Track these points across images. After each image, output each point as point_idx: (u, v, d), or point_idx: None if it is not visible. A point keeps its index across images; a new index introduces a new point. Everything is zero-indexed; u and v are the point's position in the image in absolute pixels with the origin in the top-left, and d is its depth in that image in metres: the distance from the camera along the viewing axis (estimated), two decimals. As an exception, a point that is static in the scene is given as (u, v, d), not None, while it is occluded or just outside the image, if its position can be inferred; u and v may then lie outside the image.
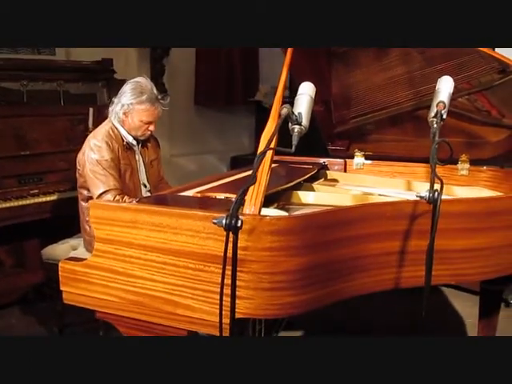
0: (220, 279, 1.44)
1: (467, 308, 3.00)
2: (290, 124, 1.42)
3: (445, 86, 1.66)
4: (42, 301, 3.02)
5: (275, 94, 1.76)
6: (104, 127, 2.36)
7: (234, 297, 1.14)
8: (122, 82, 3.50)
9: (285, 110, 1.34)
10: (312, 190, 2.24)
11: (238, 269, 1.45)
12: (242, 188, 1.08)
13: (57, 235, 2.82)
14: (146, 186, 2.47)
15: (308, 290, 1.50)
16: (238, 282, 1.46)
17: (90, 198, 2.34)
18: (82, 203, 2.39)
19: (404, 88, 2.44)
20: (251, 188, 1.52)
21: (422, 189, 2.32)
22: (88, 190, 2.33)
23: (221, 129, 4.55)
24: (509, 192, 2.25)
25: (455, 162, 2.47)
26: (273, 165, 2.56)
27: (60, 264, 1.71)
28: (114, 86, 3.45)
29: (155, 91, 2.33)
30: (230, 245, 1.11)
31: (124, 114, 2.32)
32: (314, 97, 1.51)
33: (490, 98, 2.35)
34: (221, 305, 1.14)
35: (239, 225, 1.05)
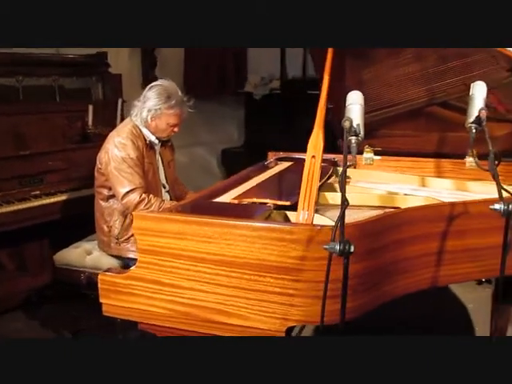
0: (278, 289, 1.48)
1: (467, 293, 3.12)
2: (346, 134, 1.42)
3: (479, 92, 1.70)
4: (45, 304, 2.96)
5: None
6: (126, 126, 2.34)
7: (343, 313, 1.15)
8: (117, 77, 3.45)
9: (347, 123, 1.35)
10: (332, 188, 2.26)
11: (293, 278, 1.48)
12: (338, 215, 1.09)
13: (59, 237, 2.77)
14: (165, 187, 2.45)
15: (362, 295, 1.53)
16: (292, 291, 1.50)
17: (111, 196, 2.32)
18: (102, 203, 2.35)
19: (416, 85, 2.47)
20: (302, 193, 1.53)
21: (435, 185, 2.43)
22: (109, 188, 2.30)
23: (210, 120, 4.50)
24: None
25: (463, 157, 2.54)
26: (287, 163, 2.60)
27: (99, 276, 1.69)
28: (109, 80, 3.39)
29: (180, 93, 2.31)
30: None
31: (151, 118, 2.28)
32: (363, 104, 1.52)
33: (498, 94, 2.41)
34: (322, 316, 1.15)
35: (352, 250, 1.06)
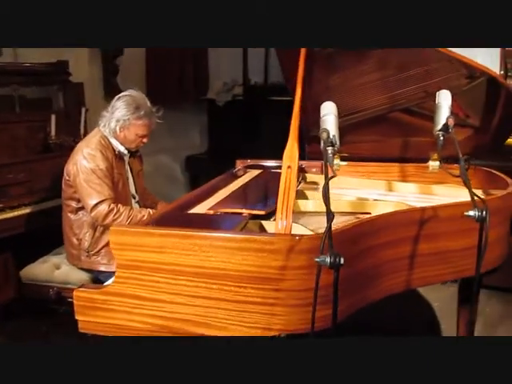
0: (259, 299, 1.49)
1: (432, 292, 3.22)
2: (322, 144, 1.46)
3: (445, 100, 1.77)
4: (12, 320, 2.87)
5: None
6: (95, 137, 2.31)
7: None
8: (79, 86, 3.39)
9: (325, 135, 1.39)
10: (302, 195, 2.29)
11: (273, 287, 1.50)
12: (326, 226, 1.11)
13: (24, 251, 2.70)
14: (134, 198, 2.43)
15: (340, 301, 1.56)
16: (273, 301, 1.51)
17: (80, 209, 2.29)
18: (71, 215, 2.31)
19: (380, 92, 2.54)
20: (280, 203, 1.56)
21: (401, 189, 2.50)
22: (78, 200, 2.27)
23: (173, 128, 4.46)
24: (477, 187, 2.43)
25: (425, 161, 2.63)
26: (256, 171, 2.62)
27: (75, 293, 1.66)
28: (70, 90, 3.32)
29: (149, 104, 2.30)
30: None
31: (120, 128, 2.26)
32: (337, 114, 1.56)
33: (458, 100, 2.51)
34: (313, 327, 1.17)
35: (342, 262, 1.08)
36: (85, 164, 2.20)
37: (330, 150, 1.43)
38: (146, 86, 4.24)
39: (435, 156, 2.61)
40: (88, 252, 2.28)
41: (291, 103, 4.50)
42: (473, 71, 2.35)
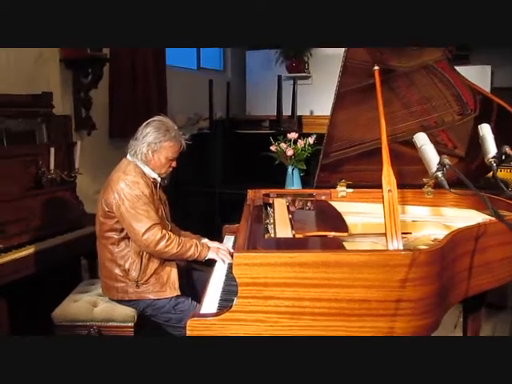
0: (381, 311, 1.61)
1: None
2: (432, 170, 1.65)
3: (488, 132, 2.05)
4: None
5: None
6: (129, 165, 2.28)
7: None
8: (66, 118, 3.26)
9: (447, 161, 1.58)
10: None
11: (394, 299, 1.63)
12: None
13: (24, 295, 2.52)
14: (168, 227, 2.39)
15: (439, 309, 1.74)
16: (393, 311, 1.64)
17: (122, 239, 2.24)
18: (112, 248, 2.24)
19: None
20: (388, 224, 1.71)
21: (414, 212, 2.76)
22: (120, 231, 2.22)
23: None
24: (470, 207, 2.77)
25: (421, 186, 2.94)
26: (279, 199, 2.71)
27: (189, 323, 1.62)
28: (54, 122, 3.18)
29: (176, 127, 2.34)
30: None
31: (152, 152, 2.25)
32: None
33: (449, 133, 2.88)
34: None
35: None
36: (128, 191, 2.18)
37: (440, 174, 1.62)
38: (109, 118, 4.16)
39: (430, 182, 2.94)
40: (137, 281, 2.21)
41: (254, 136, 4.79)
42: (465, 109, 2.73)
